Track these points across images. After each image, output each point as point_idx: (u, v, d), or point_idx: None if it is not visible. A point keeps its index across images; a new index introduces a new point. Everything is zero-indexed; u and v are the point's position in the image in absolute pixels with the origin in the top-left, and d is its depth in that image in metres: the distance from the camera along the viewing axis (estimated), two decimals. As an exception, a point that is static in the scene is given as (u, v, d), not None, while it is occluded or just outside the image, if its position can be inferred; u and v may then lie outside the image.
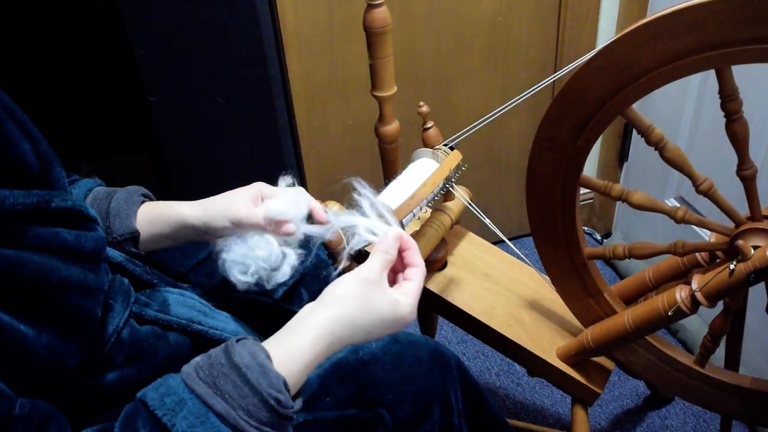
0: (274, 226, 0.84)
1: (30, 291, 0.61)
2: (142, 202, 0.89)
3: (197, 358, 0.68)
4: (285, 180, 0.89)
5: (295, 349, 0.69)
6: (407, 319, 0.75)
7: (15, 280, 0.59)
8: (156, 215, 0.88)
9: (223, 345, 0.68)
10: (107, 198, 0.88)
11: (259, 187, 0.88)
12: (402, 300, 0.74)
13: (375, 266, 0.74)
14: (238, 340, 0.68)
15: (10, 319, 0.59)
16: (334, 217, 0.83)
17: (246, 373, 0.65)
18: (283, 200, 0.85)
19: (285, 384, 0.66)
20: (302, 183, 1.53)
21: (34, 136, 0.65)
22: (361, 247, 0.80)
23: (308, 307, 0.73)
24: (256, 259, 0.82)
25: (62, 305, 0.64)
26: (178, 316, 0.82)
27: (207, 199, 0.88)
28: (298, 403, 0.68)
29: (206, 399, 0.64)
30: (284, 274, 0.83)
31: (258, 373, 0.65)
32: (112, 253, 0.82)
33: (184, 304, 0.84)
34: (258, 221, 0.83)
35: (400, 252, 0.78)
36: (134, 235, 0.86)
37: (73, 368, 0.66)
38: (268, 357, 0.67)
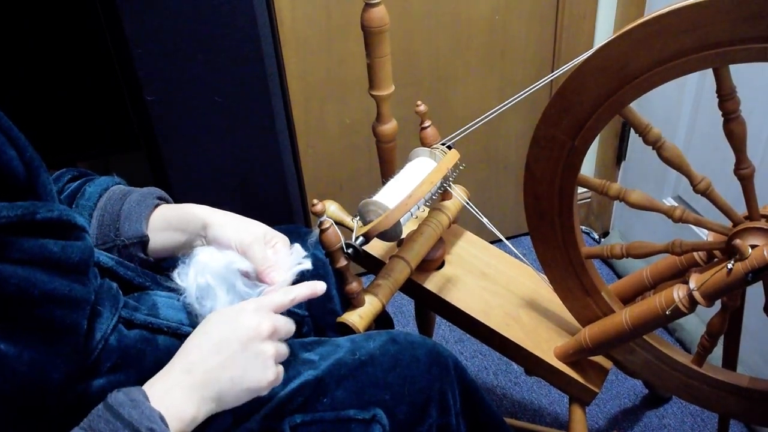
0: (266, 275, 0.84)
1: (12, 306, 0.60)
2: (157, 205, 0.88)
3: None
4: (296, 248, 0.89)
5: (168, 386, 0.70)
6: (247, 307, 0.76)
7: None
8: (174, 214, 0.87)
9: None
10: (121, 199, 0.86)
11: (268, 231, 0.88)
12: (241, 305, 0.77)
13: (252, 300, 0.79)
14: (118, 391, 0.68)
15: None
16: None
17: (118, 409, 0.65)
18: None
19: (162, 418, 0.67)
20: (299, 182, 1.53)
21: (20, 142, 0.64)
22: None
23: None
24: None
25: (45, 320, 0.63)
26: (168, 319, 0.82)
27: (227, 212, 0.88)
28: None
29: None
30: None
31: (129, 407, 0.66)
32: (102, 257, 0.81)
33: (173, 306, 0.83)
34: (258, 261, 0.83)
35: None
36: (143, 240, 0.85)
37: (59, 381, 0.65)
38: (145, 396, 0.68)
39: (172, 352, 0.81)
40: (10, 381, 0.60)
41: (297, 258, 0.86)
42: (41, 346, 0.63)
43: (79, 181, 0.88)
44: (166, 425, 0.67)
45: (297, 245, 0.88)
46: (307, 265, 0.87)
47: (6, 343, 0.59)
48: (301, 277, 0.97)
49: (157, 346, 0.79)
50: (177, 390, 0.70)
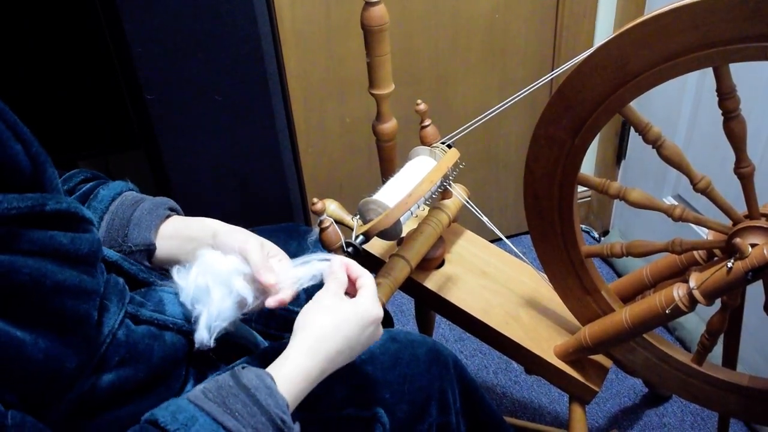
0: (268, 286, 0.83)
1: (25, 296, 0.61)
2: (168, 216, 0.88)
3: (202, 384, 0.70)
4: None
5: (292, 373, 0.72)
6: (371, 312, 0.78)
7: (9, 286, 0.59)
8: (185, 225, 0.88)
9: (228, 371, 0.71)
10: (133, 206, 0.87)
11: (273, 248, 0.87)
12: (359, 299, 0.78)
13: (329, 287, 0.79)
14: (243, 367, 0.71)
15: (6, 325, 0.59)
16: (288, 271, 0.84)
17: (255, 393, 0.68)
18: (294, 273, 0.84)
19: (287, 406, 0.69)
20: (299, 181, 1.53)
21: (26, 137, 0.65)
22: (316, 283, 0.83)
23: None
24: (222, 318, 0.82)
25: (58, 309, 0.64)
26: (174, 315, 0.82)
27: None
28: (297, 427, 0.71)
29: (217, 416, 0.66)
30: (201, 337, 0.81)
31: (266, 394, 0.68)
32: (108, 252, 0.82)
33: (179, 303, 0.84)
34: (256, 261, 0.82)
35: (348, 276, 0.82)
36: (149, 248, 0.85)
37: (72, 371, 0.66)
38: (273, 380, 0.70)
39: (179, 348, 0.81)
40: (27, 368, 0.61)
41: (309, 271, 0.83)
42: (55, 336, 0.64)
43: (92, 183, 0.89)
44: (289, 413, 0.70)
45: (307, 264, 0.85)
46: (314, 281, 0.85)
47: (22, 331, 0.60)
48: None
49: (164, 341, 0.80)
50: (305, 378, 0.73)
